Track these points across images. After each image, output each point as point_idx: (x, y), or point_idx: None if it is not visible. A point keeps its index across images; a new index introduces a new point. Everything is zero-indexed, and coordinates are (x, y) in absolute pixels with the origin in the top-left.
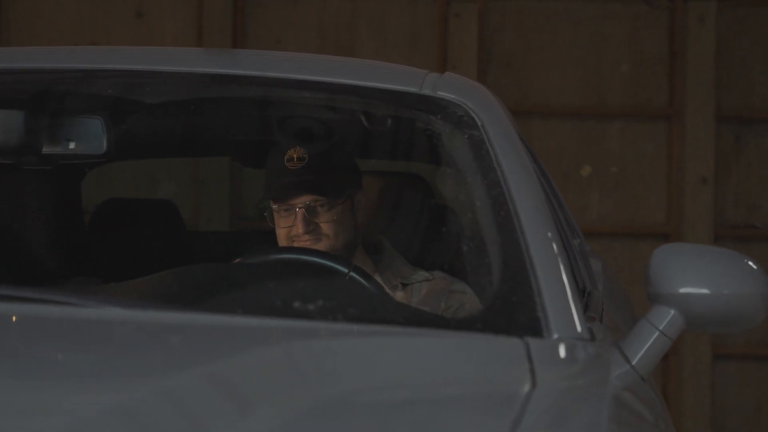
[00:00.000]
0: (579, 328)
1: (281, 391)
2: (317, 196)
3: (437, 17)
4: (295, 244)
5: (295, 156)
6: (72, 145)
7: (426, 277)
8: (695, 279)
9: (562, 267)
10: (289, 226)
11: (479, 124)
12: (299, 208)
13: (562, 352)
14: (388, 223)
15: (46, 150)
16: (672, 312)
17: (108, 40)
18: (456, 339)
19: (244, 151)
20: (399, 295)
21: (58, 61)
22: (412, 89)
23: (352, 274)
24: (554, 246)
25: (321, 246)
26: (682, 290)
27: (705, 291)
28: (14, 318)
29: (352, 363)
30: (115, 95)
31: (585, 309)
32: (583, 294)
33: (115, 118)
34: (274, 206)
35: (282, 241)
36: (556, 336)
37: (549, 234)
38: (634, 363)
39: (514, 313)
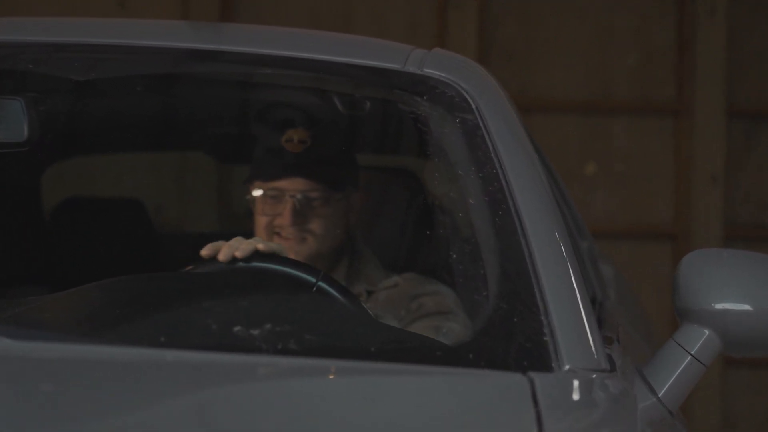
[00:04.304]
0: (596, 355)
1: None
2: (316, 184)
3: (437, 8)
4: (275, 239)
5: (295, 137)
6: None
7: (395, 282)
8: (734, 292)
9: (573, 278)
10: (275, 214)
11: (473, 106)
12: (291, 195)
13: (575, 390)
14: (369, 224)
15: None
16: (706, 332)
17: None
18: (441, 378)
19: (217, 143)
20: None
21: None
22: (395, 66)
23: (321, 284)
24: (563, 251)
25: (306, 247)
26: (719, 306)
27: (746, 307)
28: None
29: (316, 413)
30: (67, 74)
31: (599, 325)
32: (593, 304)
33: (65, 102)
34: (260, 190)
35: (260, 232)
36: (567, 367)
37: (557, 237)
38: (660, 394)
39: (515, 338)
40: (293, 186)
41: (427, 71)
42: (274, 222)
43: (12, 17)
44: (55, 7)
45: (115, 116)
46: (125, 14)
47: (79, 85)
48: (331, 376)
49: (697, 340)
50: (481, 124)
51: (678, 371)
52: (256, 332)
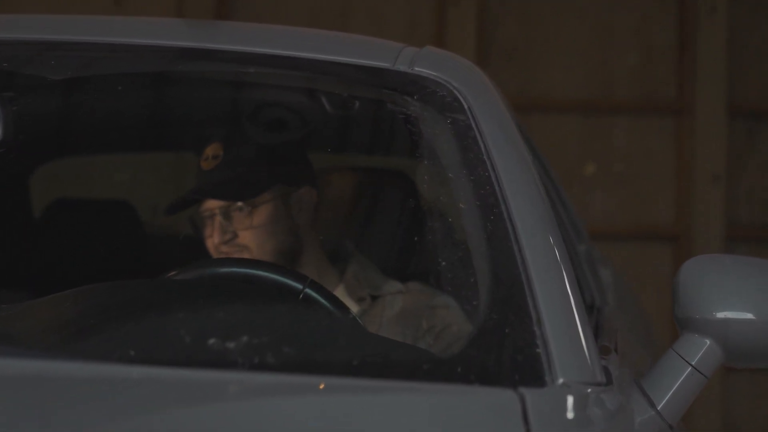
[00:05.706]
0: (591, 367)
1: None
2: (220, 201)
3: (436, 7)
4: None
5: (210, 154)
6: None
7: (399, 289)
8: (736, 301)
9: (568, 285)
10: (212, 235)
11: (466, 106)
12: (216, 214)
13: (569, 408)
14: (361, 227)
15: None
16: (707, 342)
17: None
18: (426, 396)
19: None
20: (367, 310)
21: None
22: (385, 65)
23: (308, 291)
24: (558, 257)
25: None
26: (720, 315)
27: (749, 316)
28: None
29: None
30: (57, 72)
31: (596, 334)
32: (591, 311)
33: (55, 101)
34: (198, 213)
35: (212, 252)
36: (561, 381)
37: (551, 242)
38: (660, 407)
39: (505, 351)
40: (213, 204)
41: (418, 70)
42: (215, 242)
43: (2, 15)
44: (53, 5)
45: (106, 116)
46: (120, 12)
47: (69, 83)
48: (316, 391)
49: (698, 351)
50: (474, 125)
51: (678, 383)
52: (231, 345)
